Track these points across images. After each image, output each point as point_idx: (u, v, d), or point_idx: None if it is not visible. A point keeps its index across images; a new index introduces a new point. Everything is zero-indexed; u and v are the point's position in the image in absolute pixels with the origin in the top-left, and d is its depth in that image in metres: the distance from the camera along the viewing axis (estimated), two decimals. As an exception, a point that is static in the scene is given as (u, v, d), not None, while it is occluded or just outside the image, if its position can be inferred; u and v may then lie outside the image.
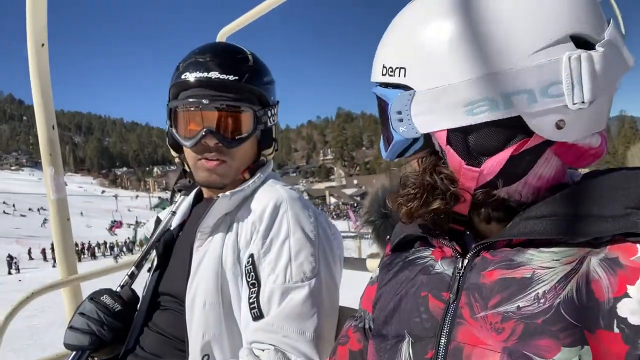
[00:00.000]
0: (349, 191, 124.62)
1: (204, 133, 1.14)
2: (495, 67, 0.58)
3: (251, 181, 1.21)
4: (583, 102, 0.57)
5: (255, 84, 1.18)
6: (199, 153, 1.19)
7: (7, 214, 62.90)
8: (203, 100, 1.14)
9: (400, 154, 0.70)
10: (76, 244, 40.94)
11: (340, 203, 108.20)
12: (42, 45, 1.60)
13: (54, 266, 31.43)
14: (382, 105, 0.70)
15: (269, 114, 1.22)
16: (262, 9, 1.71)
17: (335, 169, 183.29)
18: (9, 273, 27.85)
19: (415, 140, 0.67)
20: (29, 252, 36.78)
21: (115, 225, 48.13)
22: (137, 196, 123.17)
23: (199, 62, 1.16)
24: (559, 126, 0.59)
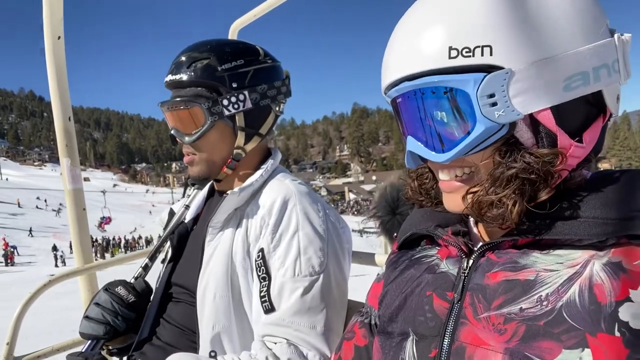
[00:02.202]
0: (367, 187, 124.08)
1: (171, 133, 1.23)
2: (586, 39, 0.58)
3: (258, 175, 1.21)
4: (626, 78, 0.62)
5: (207, 76, 1.17)
6: (184, 151, 1.26)
7: (40, 208, 64.58)
8: (160, 103, 1.23)
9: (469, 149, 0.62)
10: (113, 238, 41.90)
11: (360, 199, 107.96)
12: (59, 37, 1.63)
13: (95, 258, 32.73)
14: (450, 95, 0.60)
15: (232, 101, 1.18)
16: (275, 1, 1.70)
17: (352, 164, 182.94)
18: (56, 265, 28.63)
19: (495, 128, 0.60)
20: (70, 245, 37.38)
21: (104, 221, 48.02)
22: (147, 190, 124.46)
23: (171, 65, 1.23)
24: (618, 99, 0.63)
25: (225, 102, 1.17)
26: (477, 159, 0.63)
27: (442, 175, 0.68)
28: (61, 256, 30.76)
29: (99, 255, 35.40)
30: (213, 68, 1.17)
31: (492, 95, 0.58)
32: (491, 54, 0.58)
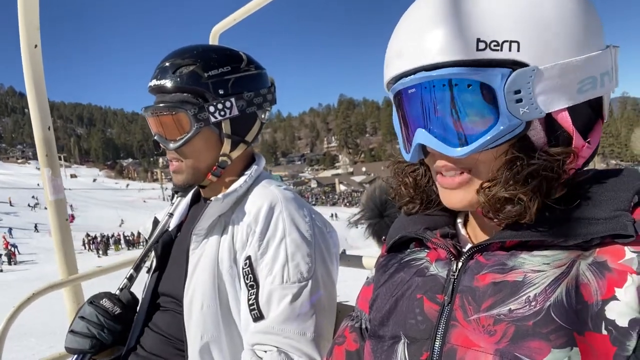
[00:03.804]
0: (357, 178, 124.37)
1: (155, 139, 1.21)
2: (596, 47, 0.61)
3: (242, 181, 1.20)
4: (616, 86, 0.64)
5: (193, 83, 1.15)
6: (168, 157, 1.24)
7: (32, 206, 63.45)
8: (144, 108, 1.21)
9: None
10: (112, 235, 41.08)
11: (351, 190, 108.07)
12: (35, 46, 1.59)
13: (99, 256, 32.47)
14: (475, 88, 0.59)
15: (218, 108, 1.17)
16: (254, 5, 1.69)
17: (340, 156, 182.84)
18: None
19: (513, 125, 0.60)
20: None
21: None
22: (127, 185, 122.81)
23: (155, 70, 1.20)
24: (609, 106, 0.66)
25: (211, 108, 1.16)
26: (484, 155, 0.62)
27: (444, 172, 0.67)
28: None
29: (100, 252, 35.25)
30: (199, 74, 1.16)
31: (518, 92, 0.58)
32: (518, 50, 0.57)
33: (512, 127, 0.59)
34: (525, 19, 0.58)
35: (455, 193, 0.66)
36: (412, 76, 0.62)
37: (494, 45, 0.57)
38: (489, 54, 0.57)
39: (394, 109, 0.71)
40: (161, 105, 1.17)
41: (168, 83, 1.16)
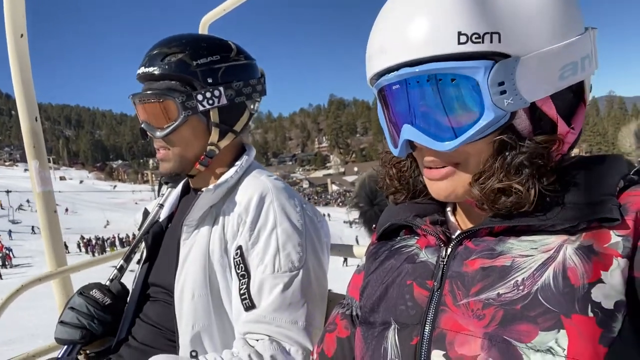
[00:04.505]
0: (349, 178, 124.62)
1: (142, 126, 1.20)
2: (575, 31, 0.61)
3: (233, 172, 1.20)
4: (596, 68, 0.64)
5: (181, 70, 1.15)
6: (155, 145, 1.23)
7: (24, 209, 62.74)
8: (131, 95, 1.20)
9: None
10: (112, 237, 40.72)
11: (343, 190, 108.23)
12: (22, 35, 1.57)
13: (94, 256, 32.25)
14: (459, 81, 0.59)
15: (207, 96, 1.16)
16: (245, -5, 1.68)
17: (331, 156, 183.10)
18: None
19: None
20: (65, 244, 36.51)
21: None
22: (114, 186, 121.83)
23: (143, 57, 1.20)
24: (590, 89, 0.66)
25: (199, 97, 1.15)
26: (472, 147, 0.62)
27: (432, 164, 0.67)
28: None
29: (97, 253, 35.04)
30: (188, 62, 1.15)
31: (501, 83, 0.58)
32: (500, 41, 0.57)
33: (498, 118, 0.59)
34: (505, 10, 0.58)
35: (443, 184, 0.67)
36: (396, 72, 0.62)
37: (475, 38, 0.57)
38: (470, 47, 0.57)
39: (379, 104, 0.71)
40: (149, 92, 1.16)
41: (156, 70, 1.15)
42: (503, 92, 0.58)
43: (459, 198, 0.67)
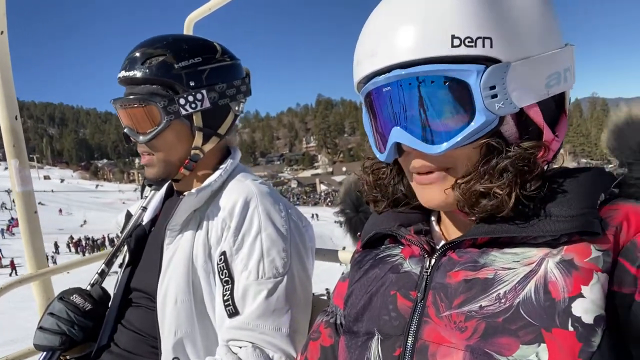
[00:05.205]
0: (338, 178, 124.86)
1: (125, 132, 1.18)
2: (558, 43, 0.63)
3: (217, 175, 1.18)
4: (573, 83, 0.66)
5: (162, 74, 1.13)
6: (139, 150, 1.21)
7: (8, 209, 61.52)
8: (112, 100, 1.18)
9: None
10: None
11: (332, 190, 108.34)
12: (1, 32, 1.54)
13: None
14: (451, 85, 0.59)
15: (189, 100, 1.14)
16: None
17: (319, 156, 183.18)
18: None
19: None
20: (55, 245, 37.11)
21: (12, 224, 45.43)
22: (97, 186, 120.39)
23: (124, 60, 1.17)
24: (569, 102, 0.68)
25: (182, 101, 1.13)
26: (460, 151, 0.62)
27: (421, 169, 0.66)
28: (52, 256, 30.38)
29: (88, 253, 34.68)
30: (169, 65, 1.13)
31: (493, 87, 0.58)
32: (491, 46, 0.58)
33: (488, 122, 0.59)
34: (496, 15, 0.59)
35: (433, 190, 0.66)
36: (387, 74, 0.62)
37: (468, 42, 0.57)
38: (463, 50, 0.58)
39: (365, 109, 0.71)
40: (130, 97, 1.14)
41: (137, 74, 1.13)
42: (494, 96, 0.59)
43: (448, 205, 0.66)
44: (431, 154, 0.63)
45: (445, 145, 0.61)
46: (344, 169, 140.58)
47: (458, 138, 0.60)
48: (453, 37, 0.58)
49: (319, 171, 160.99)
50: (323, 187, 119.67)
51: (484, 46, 0.58)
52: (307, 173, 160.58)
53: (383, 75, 0.62)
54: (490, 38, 0.58)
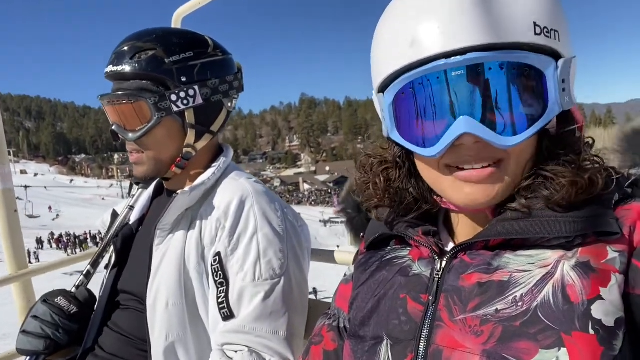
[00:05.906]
0: (321, 177, 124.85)
1: (112, 129, 1.13)
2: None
3: (210, 174, 1.14)
4: None
5: (153, 69, 1.08)
6: (127, 148, 1.17)
7: None
8: (100, 96, 1.14)
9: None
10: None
11: (315, 189, 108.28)
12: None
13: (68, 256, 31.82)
14: (531, 73, 0.56)
15: (181, 96, 1.10)
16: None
17: (302, 155, 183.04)
18: (30, 262, 27.54)
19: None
20: (38, 241, 36.38)
21: None
22: (71, 181, 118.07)
23: (111, 54, 1.13)
24: None
25: (173, 97, 1.09)
26: (521, 144, 0.58)
27: (472, 160, 0.60)
28: (35, 252, 30.03)
29: (70, 251, 34.23)
30: (160, 60, 1.08)
31: (564, 81, 0.57)
32: (559, 40, 0.57)
33: (555, 114, 0.58)
34: (561, 9, 0.58)
35: (483, 187, 0.60)
36: (460, 57, 0.55)
37: (546, 32, 0.56)
38: (542, 40, 0.56)
39: (404, 100, 0.62)
40: (119, 93, 1.09)
41: (126, 69, 1.08)
42: (564, 90, 0.57)
43: (492, 202, 0.61)
44: (502, 146, 0.57)
45: (519, 137, 0.57)
46: (327, 168, 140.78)
47: (532, 130, 0.57)
48: (535, 24, 0.55)
49: (302, 170, 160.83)
50: (306, 186, 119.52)
51: (556, 38, 0.57)
52: (290, 172, 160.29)
53: (454, 58, 0.55)
54: (558, 31, 0.57)
